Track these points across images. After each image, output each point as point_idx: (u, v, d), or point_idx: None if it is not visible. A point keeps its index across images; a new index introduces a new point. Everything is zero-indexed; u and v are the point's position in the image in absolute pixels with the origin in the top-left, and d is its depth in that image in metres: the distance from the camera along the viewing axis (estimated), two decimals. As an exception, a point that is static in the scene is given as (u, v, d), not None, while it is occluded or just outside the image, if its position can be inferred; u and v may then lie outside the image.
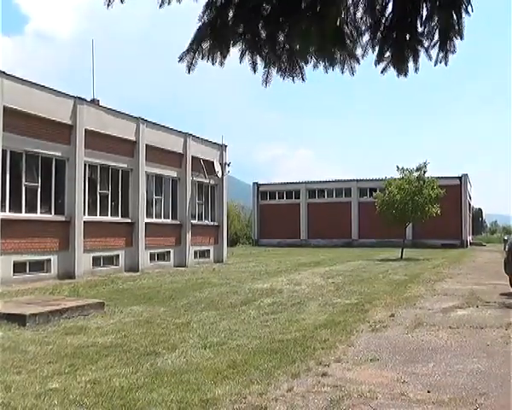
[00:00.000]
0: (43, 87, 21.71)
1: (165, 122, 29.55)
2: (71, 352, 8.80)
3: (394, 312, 12.92)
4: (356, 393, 6.68)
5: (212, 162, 33.23)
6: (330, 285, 18.85)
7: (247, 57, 4.73)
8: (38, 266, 21.33)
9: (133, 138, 26.74)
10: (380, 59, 4.88)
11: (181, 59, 4.64)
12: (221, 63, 4.71)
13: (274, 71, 4.78)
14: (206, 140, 33.74)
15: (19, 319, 11.11)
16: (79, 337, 10.00)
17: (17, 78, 20.48)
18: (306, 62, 4.83)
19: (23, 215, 20.78)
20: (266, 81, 4.77)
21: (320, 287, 18.35)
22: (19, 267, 20.34)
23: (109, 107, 25.99)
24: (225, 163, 34.94)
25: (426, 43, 4.76)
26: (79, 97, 23.47)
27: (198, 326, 11.06)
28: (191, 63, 4.64)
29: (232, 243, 56.31)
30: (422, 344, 9.61)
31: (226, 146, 35.37)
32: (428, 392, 6.78)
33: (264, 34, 4.62)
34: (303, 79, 4.85)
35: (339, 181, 65.46)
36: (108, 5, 4.36)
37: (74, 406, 6.19)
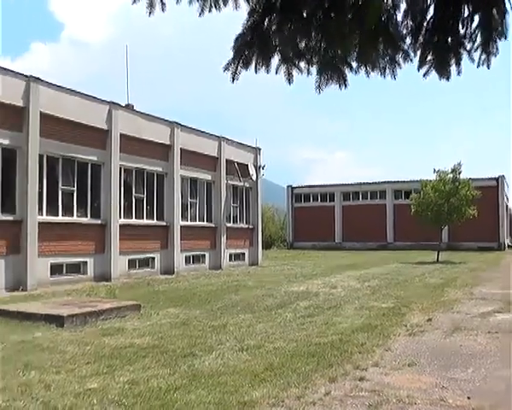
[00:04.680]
0: (78, 93, 22.02)
1: (199, 126, 29.65)
2: (108, 353, 8.87)
3: (431, 316, 12.72)
4: (394, 398, 6.59)
5: (247, 165, 33.30)
6: (366, 288, 18.70)
7: (282, 69, 4.75)
8: (75, 269, 21.61)
9: (168, 142, 26.94)
10: (422, 63, 4.83)
11: (226, 69, 4.67)
12: (267, 71, 4.73)
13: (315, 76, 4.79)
14: (241, 143, 33.83)
15: (57, 320, 11.27)
16: (117, 338, 10.07)
17: (53, 84, 20.84)
18: (351, 68, 4.80)
19: (60, 218, 21.08)
20: (319, 88, 4.79)
21: (356, 290, 18.21)
22: (56, 269, 20.64)
23: (144, 111, 26.21)
24: (259, 166, 34.99)
25: (468, 46, 4.69)
26: (114, 102, 23.75)
27: (234, 329, 11.04)
28: (235, 72, 4.67)
29: (267, 245, 56.21)
30: (461, 349, 9.44)
31: (260, 149, 35.44)
32: (468, 398, 6.65)
33: (303, 44, 4.63)
34: (345, 86, 4.84)
35: (373, 183, 64.91)
36: (150, 13, 4.42)
37: (113, 406, 6.24)
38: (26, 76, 19.69)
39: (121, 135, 23.68)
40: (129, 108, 25.83)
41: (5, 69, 19.31)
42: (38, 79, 20.01)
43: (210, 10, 4.50)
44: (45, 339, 9.96)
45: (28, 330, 10.63)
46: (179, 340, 9.91)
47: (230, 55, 4.64)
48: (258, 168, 34.68)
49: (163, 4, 4.41)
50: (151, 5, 4.40)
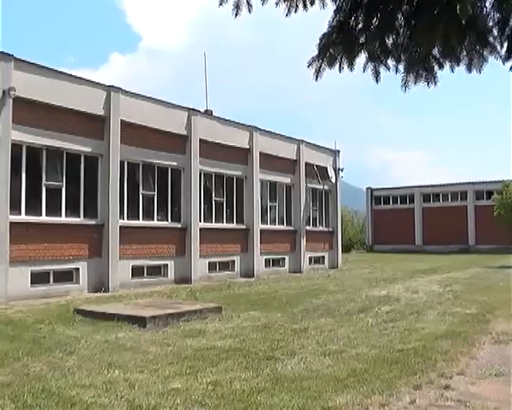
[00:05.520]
0: (157, 100, 22.55)
1: (277, 129, 29.78)
2: (191, 354, 8.96)
3: (518, 323, 12.23)
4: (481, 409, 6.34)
5: (326, 168, 33.14)
6: (448, 293, 18.20)
7: (370, 66, 4.67)
8: (156, 271, 22.02)
9: (247, 146, 27.11)
10: (508, 56, 4.65)
11: (309, 65, 4.63)
12: (351, 70, 4.66)
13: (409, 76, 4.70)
14: (319, 146, 33.69)
15: (139, 321, 11.48)
16: (198, 340, 10.16)
17: (133, 93, 21.41)
18: (441, 66, 4.66)
19: (140, 222, 21.54)
20: (405, 86, 4.68)
21: (438, 295, 17.77)
22: (137, 272, 21.09)
23: (223, 117, 26.47)
24: (338, 168, 34.74)
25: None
26: (193, 109, 24.08)
27: (316, 333, 10.93)
28: (319, 70, 4.62)
29: (346, 248, 55.60)
30: (551, 360, 9.00)
31: (339, 151, 35.21)
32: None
33: (390, 41, 4.54)
34: (435, 83, 4.71)
35: (454, 184, 63.50)
36: (236, 15, 4.40)
37: (197, 406, 6.28)
38: (107, 86, 20.31)
39: (200, 140, 23.99)
40: (208, 113, 26.13)
41: (87, 80, 20.05)
42: (119, 88, 20.63)
43: (296, 10, 4.46)
44: (128, 339, 10.17)
45: (111, 331, 10.88)
46: (261, 343, 9.90)
47: (315, 53, 4.59)
48: (337, 171, 34.44)
49: (249, 6, 4.39)
50: (237, 7, 4.39)
